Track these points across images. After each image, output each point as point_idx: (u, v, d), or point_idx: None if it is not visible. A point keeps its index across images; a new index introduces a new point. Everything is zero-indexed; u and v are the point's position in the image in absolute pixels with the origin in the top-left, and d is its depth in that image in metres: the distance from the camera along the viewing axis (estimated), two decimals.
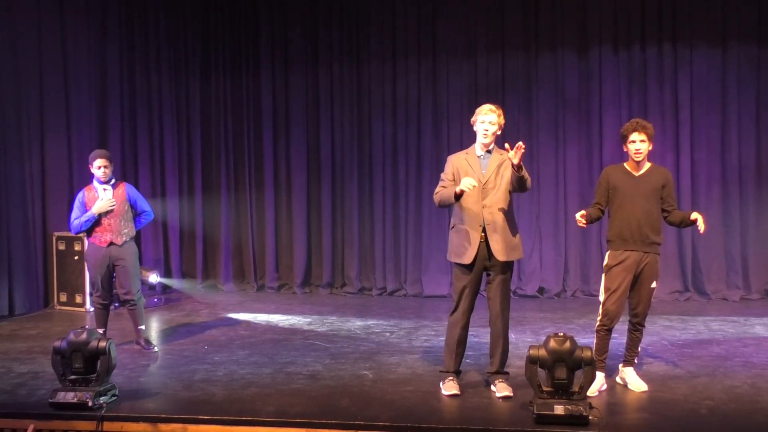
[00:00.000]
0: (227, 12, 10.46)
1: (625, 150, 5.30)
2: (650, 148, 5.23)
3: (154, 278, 9.26)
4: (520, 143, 4.91)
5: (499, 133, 5.25)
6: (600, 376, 5.23)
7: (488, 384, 5.30)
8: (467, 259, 5.14)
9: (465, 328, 5.23)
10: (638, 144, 5.18)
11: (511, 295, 9.35)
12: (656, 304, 8.79)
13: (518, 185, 5.09)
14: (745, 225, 9.34)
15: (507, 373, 5.31)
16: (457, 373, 5.27)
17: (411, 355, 6.42)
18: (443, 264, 9.32)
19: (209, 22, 10.51)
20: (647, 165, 5.30)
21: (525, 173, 5.05)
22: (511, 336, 6.85)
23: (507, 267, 5.22)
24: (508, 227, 5.17)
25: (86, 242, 6.80)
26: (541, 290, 9.63)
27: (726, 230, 9.38)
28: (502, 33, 9.79)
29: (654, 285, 5.28)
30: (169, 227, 10.52)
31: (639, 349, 5.45)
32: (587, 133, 9.65)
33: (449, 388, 5.14)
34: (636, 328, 5.34)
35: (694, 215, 5.22)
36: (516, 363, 5.82)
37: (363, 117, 10.19)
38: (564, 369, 4.57)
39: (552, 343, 4.60)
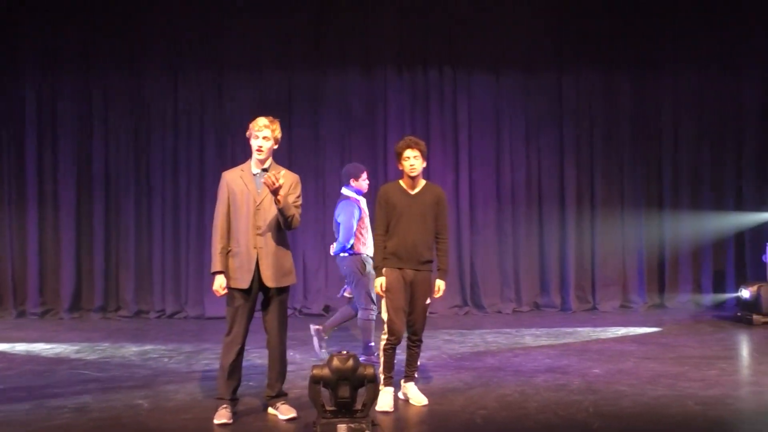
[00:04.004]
0: None
1: (399, 168, 5.48)
2: (424, 164, 5.45)
3: None
4: (274, 180, 4.84)
5: (275, 147, 5.18)
6: (390, 392, 5.39)
7: (267, 407, 5.25)
8: (244, 283, 5.06)
9: (241, 353, 5.14)
10: (412, 160, 5.36)
11: (297, 314, 9.54)
12: (437, 318, 9.33)
13: (282, 220, 5.06)
14: (517, 241, 10.15)
15: (286, 394, 5.31)
16: (233, 401, 5.16)
17: (191, 381, 6.23)
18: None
19: None
20: (422, 183, 5.50)
21: (287, 210, 4.99)
22: (296, 356, 6.94)
23: (283, 288, 5.20)
24: (280, 252, 5.12)
25: (354, 253, 6.75)
26: (326, 309, 9.78)
27: (500, 246, 10.12)
28: (289, 50, 9.91)
29: (428, 301, 5.49)
30: None
31: (418, 363, 5.65)
32: (372, 151, 10.00)
33: (220, 416, 4.99)
34: (414, 344, 5.52)
35: (440, 282, 5.45)
36: (301, 384, 5.84)
37: (141, 128, 9.83)
38: (347, 387, 4.63)
39: (335, 362, 4.66)
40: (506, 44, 10.17)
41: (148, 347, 7.69)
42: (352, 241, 6.75)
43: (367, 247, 6.79)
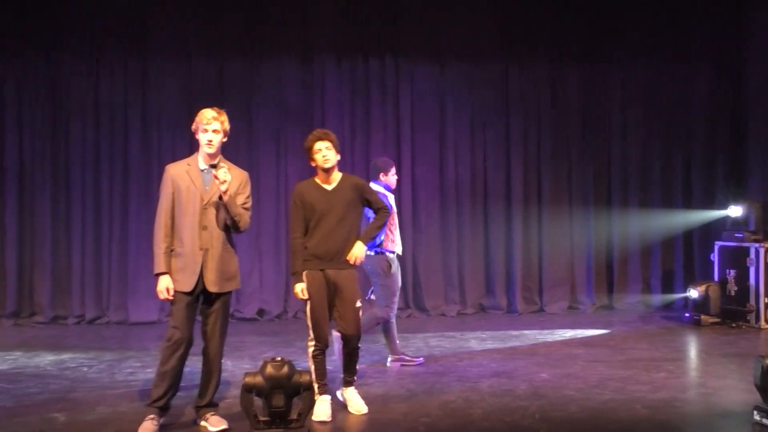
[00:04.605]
0: None
1: (312, 164, 5.42)
2: (338, 157, 5.41)
3: None
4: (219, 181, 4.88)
5: (225, 140, 5.12)
6: (327, 400, 5.36)
7: (198, 419, 5.18)
8: (187, 286, 5.00)
9: (182, 359, 5.05)
10: (324, 151, 5.31)
11: (229, 318, 9.43)
12: None
13: (229, 220, 5.01)
14: (461, 241, 10.22)
15: (217, 404, 5.25)
16: (164, 409, 5.08)
17: (112, 391, 6.11)
18: (152, 287, 9.00)
19: None
20: (338, 176, 5.45)
21: (233, 206, 4.96)
22: (228, 363, 6.86)
23: (227, 293, 5.15)
24: (227, 254, 5.08)
25: (383, 251, 6.82)
26: (260, 312, 9.71)
27: (444, 246, 10.19)
28: (221, 36, 9.79)
29: (359, 304, 5.44)
30: None
31: (357, 368, 5.60)
32: None
33: (144, 429, 4.89)
34: (354, 350, 5.46)
35: (357, 246, 5.39)
36: (233, 392, 5.78)
37: (59, 119, 9.60)
38: (281, 396, 4.60)
39: (269, 369, 4.61)
40: (451, 33, 10.23)
41: (65, 356, 7.51)
42: (381, 238, 6.81)
43: (396, 245, 6.95)
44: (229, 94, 9.73)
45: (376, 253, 6.82)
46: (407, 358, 7.09)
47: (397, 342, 7.07)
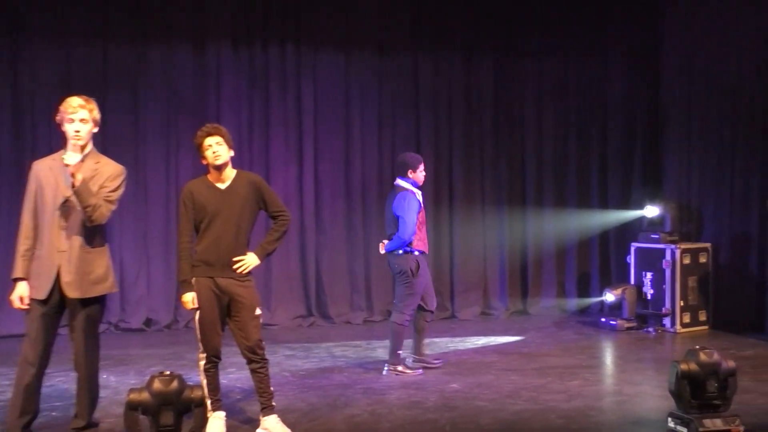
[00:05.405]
0: None
1: (203, 162, 5.32)
2: (232, 153, 5.31)
3: None
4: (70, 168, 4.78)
5: (95, 130, 5.02)
6: (221, 416, 5.29)
7: None
8: (40, 293, 4.86)
9: (37, 376, 4.91)
10: (215, 147, 5.20)
11: (113, 329, 9.22)
12: (277, 331, 9.31)
13: (84, 214, 4.86)
14: (368, 242, 10.24)
15: (97, 424, 5.13)
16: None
17: None
18: None
19: None
20: (232, 173, 5.34)
21: (84, 195, 4.80)
22: (111, 379, 6.71)
23: (94, 299, 5.01)
24: (91, 256, 4.96)
25: (412, 251, 7.06)
26: (147, 322, 9.51)
27: (350, 248, 10.20)
28: (104, 17, 9.53)
29: (258, 312, 5.33)
30: None
31: (272, 388, 5.40)
32: None
33: None
34: (259, 364, 5.29)
35: (251, 255, 5.30)
36: (117, 411, 5.65)
37: None
38: (171, 414, 4.52)
39: (156, 384, 4.52)
40: (357, 20, 10.24)
41: None
42: (412, 237, 6.98)
43: (424, 243, 7.12)
44: (113, 83, 9.47)
45: (405, 252, 7.04)
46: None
47: (401, 351, 7.22)
